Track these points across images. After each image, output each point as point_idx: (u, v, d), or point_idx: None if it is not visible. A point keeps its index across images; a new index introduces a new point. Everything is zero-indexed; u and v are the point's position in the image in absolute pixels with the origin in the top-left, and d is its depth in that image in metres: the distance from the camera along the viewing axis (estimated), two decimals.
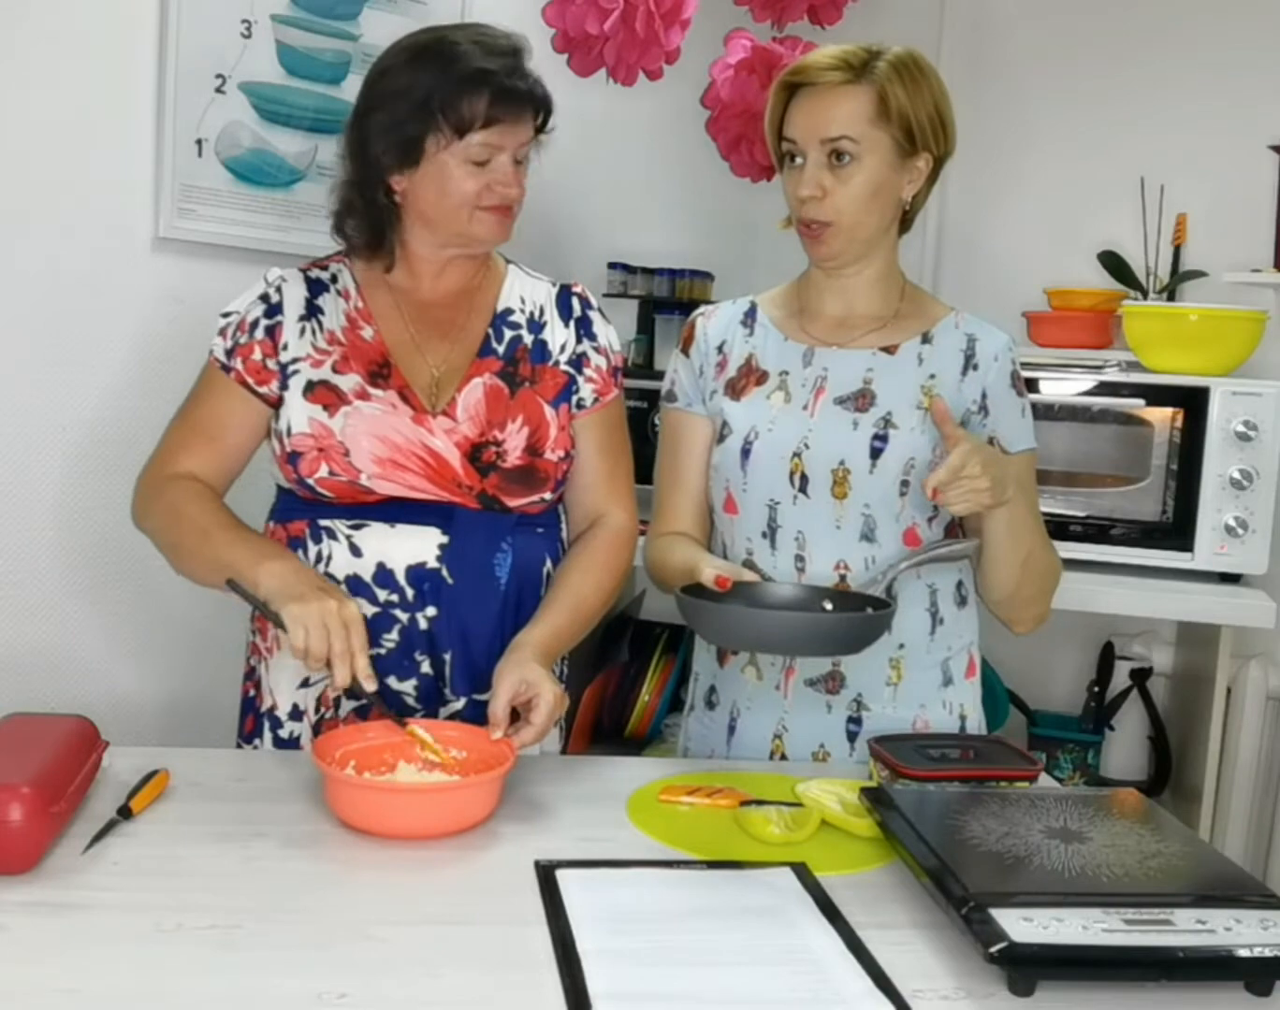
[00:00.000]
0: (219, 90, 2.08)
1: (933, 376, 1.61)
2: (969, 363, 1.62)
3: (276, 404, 1.56)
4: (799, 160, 1.58)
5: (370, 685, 1.35)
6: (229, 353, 1.57)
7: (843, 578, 1.59)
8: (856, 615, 1.44)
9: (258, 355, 1.56)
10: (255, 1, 2.10)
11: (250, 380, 1.56)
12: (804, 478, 1.59)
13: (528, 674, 1.40)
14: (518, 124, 1.52)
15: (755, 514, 1.63)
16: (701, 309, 1.75)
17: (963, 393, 1.60)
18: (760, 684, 1.64)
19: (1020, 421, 1.63)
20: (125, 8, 1.97)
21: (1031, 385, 2.00)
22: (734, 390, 1.66)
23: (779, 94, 1.61)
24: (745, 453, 1.62)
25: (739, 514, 1.64)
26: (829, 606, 1.48)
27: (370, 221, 1.58)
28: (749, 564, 1.61)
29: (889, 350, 1.62)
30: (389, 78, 1.53)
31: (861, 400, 1.60)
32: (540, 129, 1.57)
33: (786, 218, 1.67)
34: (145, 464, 1.59)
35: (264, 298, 1.59)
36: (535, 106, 1.54)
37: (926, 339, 1.63)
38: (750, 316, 1.70)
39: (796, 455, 1.60)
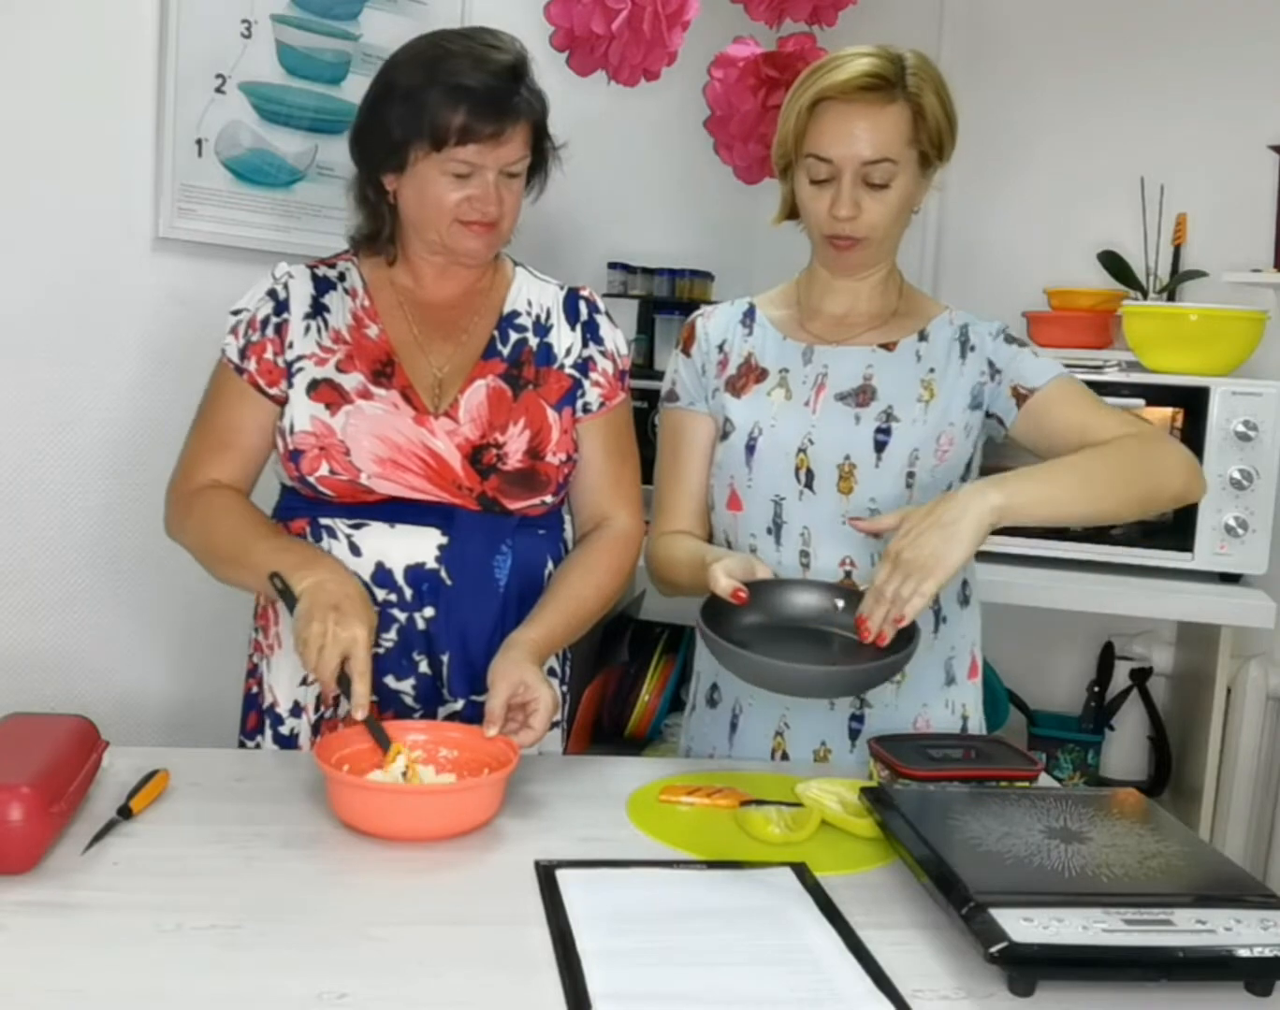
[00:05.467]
0: (219, 90, 2.08)
1: (932, 370, 1.62)
2: (965, 347, 1.62)
3: (285, 403, 1.56)
4: (828, 177, 1.54)
5: (359, 714, 1.34)
6: (242, 353, 1.57)
7: (848, 573, 1.59)
8: (878, 664, 1.40)
9: (269, 353, 1.56)
10: (255, 1, 2.10)
11: (261, 382, 1.56)
12: (809, 473, 1.60)
13: (526, 676, 1.40)
14: (500, 142, 1.49)
15: (760, 510, 1.63)
16: (700, 310, 1.75)
17: (965, 376, 1.61)
18: None
19: (1036, 361, 1.60)
20: (125, 8, 1.97)
21: None
22: (734, 388, 1.66)
23: (806, 108, 1.55)
24: (750, 449, 1.62)
25: (744, 510, 1.64)
26: (840, 604, 1.48)
27: (366, 214, 1.60)
28: None
29: (887, 347, 1.63)
30: (390, 75, 1.53)
31: (862, 396, 1.61)
32: (537, 147, 1.55)
33: (779, 213, 1.66)
34: (171, 476, 1.60)
35: (271, 293, 1.59)
36: (527, 124, 1.51)
37: (923, 336, 1.64)
38: (749, 317, 1.70)
39: (801, 451, 1.60)
